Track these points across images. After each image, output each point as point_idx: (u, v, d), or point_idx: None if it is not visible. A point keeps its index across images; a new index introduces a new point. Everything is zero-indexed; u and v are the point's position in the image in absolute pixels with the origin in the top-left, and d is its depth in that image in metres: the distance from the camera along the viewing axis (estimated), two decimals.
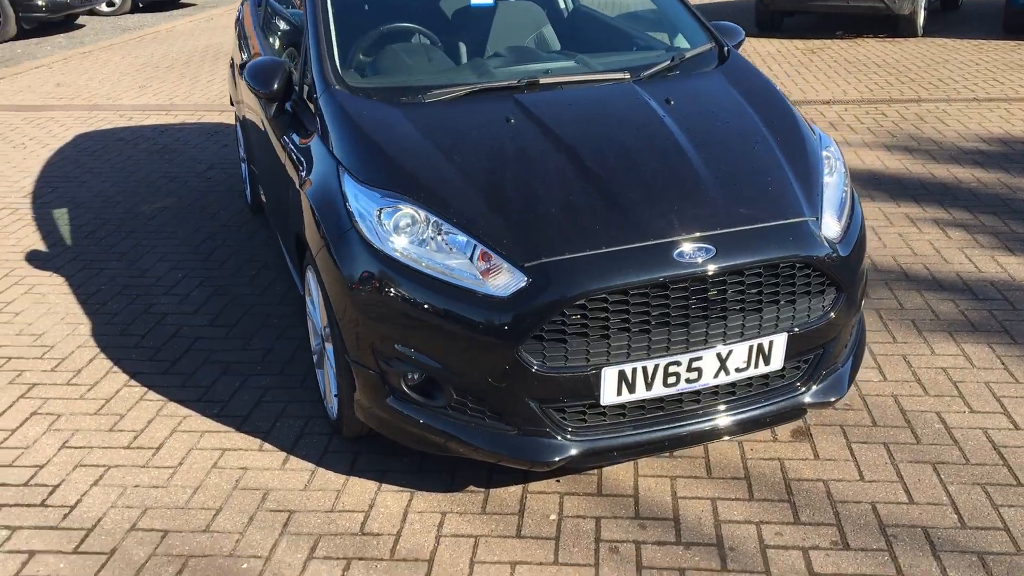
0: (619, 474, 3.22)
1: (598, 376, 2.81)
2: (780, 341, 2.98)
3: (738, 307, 2.89)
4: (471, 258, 2.85)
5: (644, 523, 2.99)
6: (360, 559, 2.86)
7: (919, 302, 4.33)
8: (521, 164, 3.13)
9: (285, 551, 2.90)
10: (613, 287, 2.76)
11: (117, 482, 3.24)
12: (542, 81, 3.59)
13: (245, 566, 2.84)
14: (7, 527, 3.02)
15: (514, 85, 3.56)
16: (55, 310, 4.55)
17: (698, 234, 2.88)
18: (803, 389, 3.12)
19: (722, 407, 3.03)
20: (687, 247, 2.85)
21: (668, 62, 3.81)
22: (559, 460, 2.88)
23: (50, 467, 3.34)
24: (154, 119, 8.15)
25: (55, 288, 4.80)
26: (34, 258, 5.19)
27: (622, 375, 2.83)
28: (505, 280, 2.80)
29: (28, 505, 3.13)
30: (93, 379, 3.91)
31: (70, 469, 3.32)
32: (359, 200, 3.05)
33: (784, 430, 3.44)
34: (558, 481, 3.19)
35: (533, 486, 3.17)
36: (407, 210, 2.96)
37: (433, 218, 2.93)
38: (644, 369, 2.85)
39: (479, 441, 2.91)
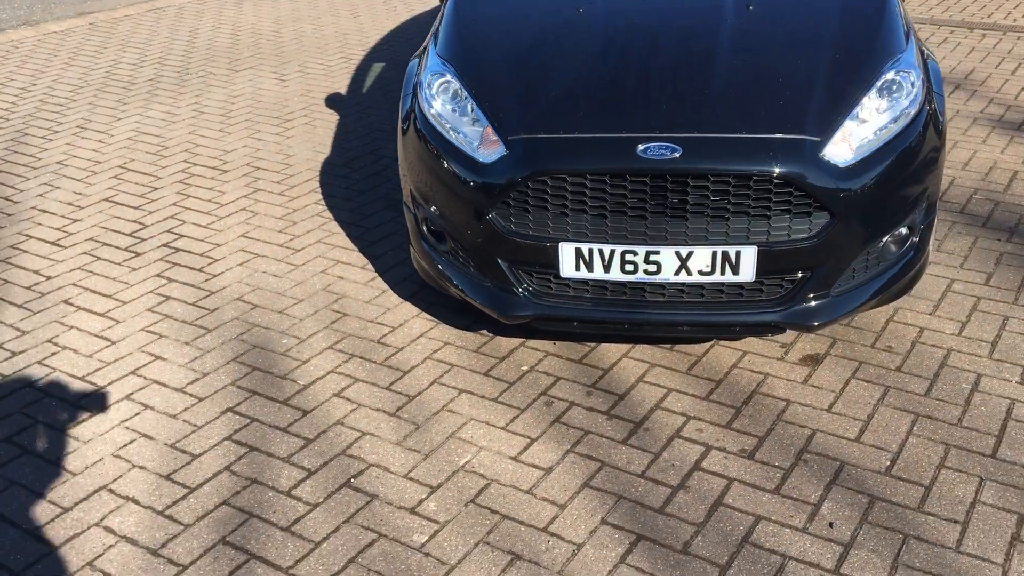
0: (608, 351, 3.50)
1: (556, 249, 3.13)
2: (749, 253, 3.05)
3: (701, 211, 3.02)
4: (484, 128, 3.28)
5: (592, 391, 3.29)
6: (361, 357, 3.51)
7: None
8: (558, 51, 3.42)
9: (317, 337, 3.63)
10: (571, 170, 3.04)
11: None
12: None
13: (285, 341, 3.63)
14: None
15: None
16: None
17: (667, 134, 3.03)
18: (780, 308, 3.15)
19: (688, 305, 3.18)
20: (653, 145, 3.02)
21: None
22: (521, 315, 3.27)
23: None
24: None
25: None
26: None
27: (579, 252, 3.12)
28: (493, 150, 3.19)
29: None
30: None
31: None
32: (427, 66, 3.58)
33: (797, 351, 3.46)
34: (554, 344, 3.56)
35: (531, 342, 3.57)
36: (449, 79, 3.44)
37: (464, 90, 3.38)
38: (600, 251, 3.10)
39: (465, 286, 3.39)
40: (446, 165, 3.28)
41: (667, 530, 2.68)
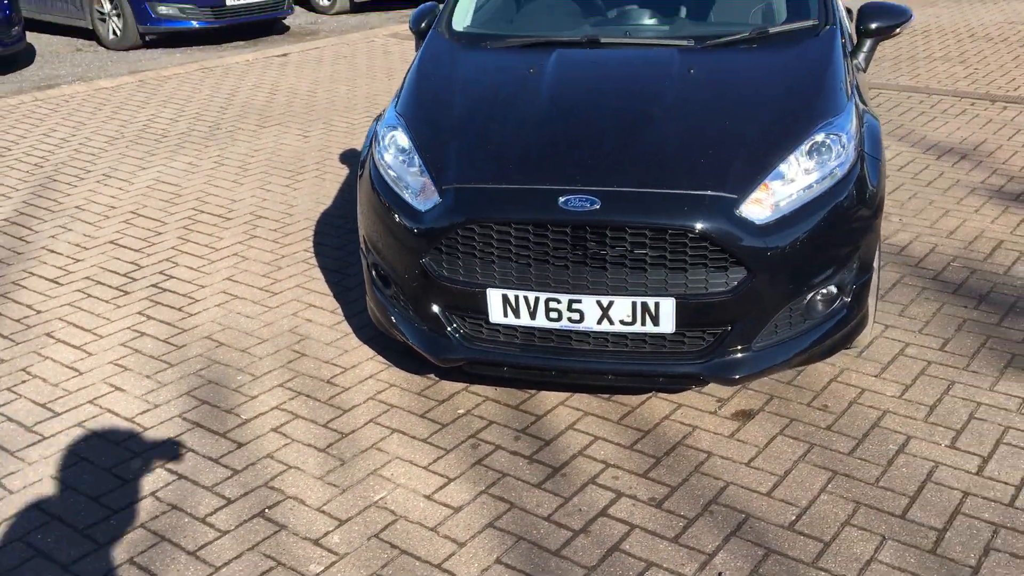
0: (545, 399, 3.56)
1: (484, 295, 3.23)
2: (668, 305, 3.10)
3: (620, 262, 3.10)
4: (425, 178, 3.41)
5: (520, 436, 3.35)
6: (307, 395, 3.63)
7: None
8: (501, 109, 3.55)
9: (271, 375, 3.77)
10: (497, 219, 3.16)
11: None
12: (602, 40, 3.90)
13: (239, 378, 3.78)
14: None
15: (576, 40, 3.92)
16: None
17: (587, 187, 3.13)
18: (701, 360, 3.19)
19: (612, 355, 3.24)
20: (573, 197, 3.12)
21: (739, 35, 3.84)
22: (453, 359, 3.36)
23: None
24: None
25: None
26: None
27: (506, 299, 3.21)
28: (430, 199, 3.32)
29: None
30: None
31: None
32: (384, 120, 3.75)
33: (732, 406, 3.47)
34: (495, 390, 3.63)
35: (474, 388, 3.65)
36: (399, 134, 3.60)
37: (411, 143, 3.53)
38: (526, 299, 3.19)
39: (405, 329, 3.50)
40: (389, 212, 3.42)
41: (558, 572, 2.72)
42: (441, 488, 3.09)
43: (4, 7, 8.93)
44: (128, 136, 7.10)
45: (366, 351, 3.93)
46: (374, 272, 3.63)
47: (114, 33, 10.09)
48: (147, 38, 10.17)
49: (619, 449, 3.26)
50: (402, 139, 3.56)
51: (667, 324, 3.14)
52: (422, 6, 4.57)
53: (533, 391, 3.60)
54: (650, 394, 3.56)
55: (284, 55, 9.72)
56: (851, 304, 3.36)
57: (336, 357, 3.90)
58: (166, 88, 8.54)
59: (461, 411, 3.51)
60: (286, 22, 11.56)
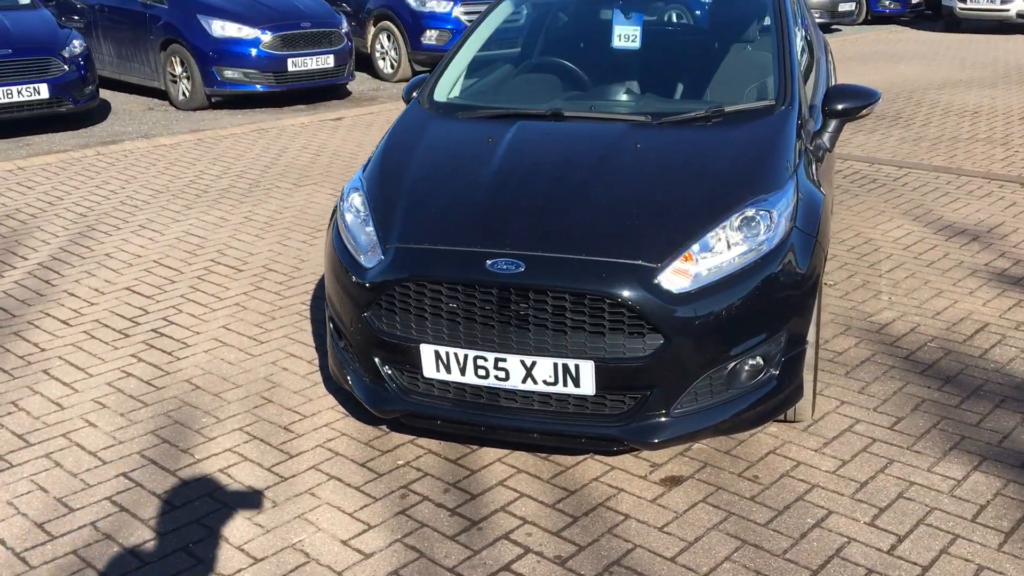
0: (485, 454, 3.65)
1: (418, 350, 3.38)
2: (588, 368, 3.21)
3: (543, 324, 3.22)
4: (374, 237, 3.60)
5: (450, 489, 3.46)
6: (261, 440, 3.80)
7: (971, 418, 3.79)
8: (453, 174, 3.74)
9: (234, 419, 3.96)
10: (430, 277, 3.32)
11: None
12: (565, 113, 4.07)
13: (204, 420, 3.98)
14: None
15: (541, 113, 4.10)
16: None
17: (514, 251, 3.27)
18: (620, 423, 3.27)
19: (538, 414, 3.35)
20: (500, 260, 3.26)
21: (694, 113, 3.97)
22: (391, 410, 3.51)
23: None
24: None
25: None
26: None
27: (437, 354, 3.36)
28: (375, 256, 3.51)
29: None
30: None
31: None
32: (350, 183, 3.97)
33: (662, 472, 3.52)
34: (440, 444, 3.75)
35: (420, 440, 3.77)
36: (358, 195, 3.81)
37: (366, 205, 3.73)
38: (455, 355, 3.33)
39: (352, 380, 3.66)
40: (342, 267, 3.61)
41: None
42: (359, 534, 3.21)
43: (80, 67, 9.55)
44: (172, 190, 7.51)
45: (329, 401, 4.10)
46: (331, 324, 3.81)
47: (183, 94, 10.67)
48: (213, 100, 10.71)
49: (541, 507, 3.34)
50: (360, 201, 3.76)
51: (587, 386, 3.24)
52: (416, 77, 4.81)
53: (475, 447, 3.71)
54: (587, 456, 3.63)
55: (338, 119, 10.13)
56: (781, 376, 3.41)
57: (299, 405, 4.08)
58: (220, 147, 8.99)
59: (401, 462, 3.64)
60: (349, 88, 12.03)
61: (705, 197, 3.45)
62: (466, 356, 3.31)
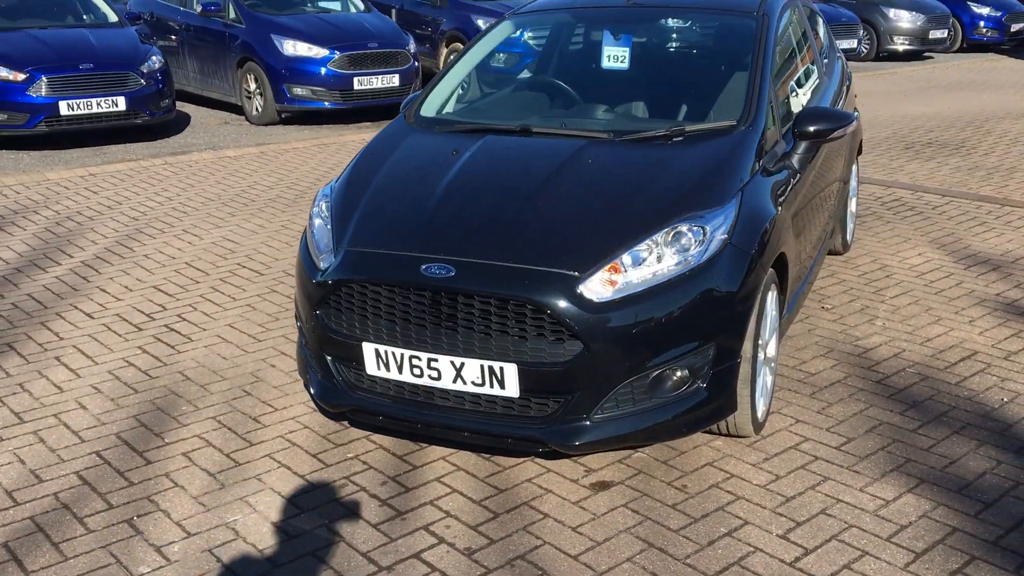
0: (433, 452, 3.82)
1: (360, 348, 3.57)
2: (511, 371, 3.34)
3: (470, 326, 3.37)
4: (332, 240, 3.82)
5: (388, 482, 3.61)
6: (229, 428, 4.04)
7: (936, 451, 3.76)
8: (410, 183, 3.92)
9: (210, 408, 4.22)
10: (371, 279, 3.51)
11: None
12: (534, 129, 4.21)
13: (183, 407, 4.25)
14: None
15: (511, 128, 4.25)
16: None
17: (447, 257, 3.43)
18: (543, 425, 3.39)
19: (468, 414, 3.49)
20: (433, 265, 3.43)
21: (653, 132, 4.06)
22: (338, 405, 3.70)
23: None
24: None
25: None
26: None
27: (378, 353, 3.54)
28: (330, 258, 3.72)
29: None
30: None
31: None
32: (322, 191, 4.19)
33: (595, 476, 3.62)
34: (393, 440, 3.92)
35: (376, 437, 3.96)
36: (325, 202, 4.03)
37: (330, 211, 3.95)
38: (393, 354, 3.51)
39: (309, 376, 3.87)
40: (303, 268, 3.84)
41: None
42: (290, 517, 3.41)
43: (158, 81, 10.12)
44: (223, 199, 7.90)
45: (303, 397, 4.32)
46: (298, 323, 4.04)
47: (256, 110, 11.16)
48: (283, 115, 11.17)
49: (467, 503, 3.48)
50: (326, 206, 3.98)
51: (512, 388, 3.37)
52: (414, 94, 5.03)
53: (424, 444, 3.87)
54: (527, 458, 3.75)
55: None
56: (709, 389, 3.47)
57: (275, 399, 4.31)
58: (280, 159, 9.40)
59: (350, 455, 3.82)
60: None
61: (640, 211, 3.55)
62: (402, 355, 3.48)
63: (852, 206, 6.32)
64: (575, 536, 3.27)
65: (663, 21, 4.91)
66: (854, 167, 6.20)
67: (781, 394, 4.27)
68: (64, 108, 9.48)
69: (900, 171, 8.62)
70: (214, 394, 4.37)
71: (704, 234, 3.47)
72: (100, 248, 6.59)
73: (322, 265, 3.70)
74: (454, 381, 3.43)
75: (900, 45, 17.38)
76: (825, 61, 5.58)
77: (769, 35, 4.45)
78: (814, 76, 5.18)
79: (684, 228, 3.47)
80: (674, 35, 4.89)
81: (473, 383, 3.41)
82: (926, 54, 18.36)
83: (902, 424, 4.00)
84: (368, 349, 3.54)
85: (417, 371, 3.48)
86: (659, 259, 3.41)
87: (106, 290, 5.78)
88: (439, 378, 3.45)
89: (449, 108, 4.79)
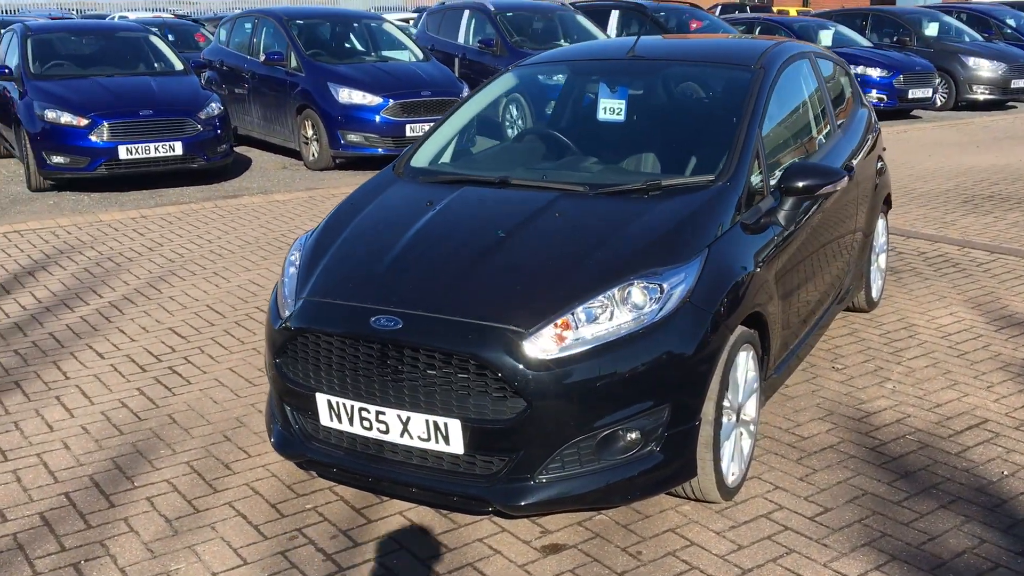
0: (392, 506, 3.76)
1: (314, 398, 3.56)
2: (455, 427, 3.28)
3: (416, 380, 3.32)
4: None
5: (338, 536, 3.56)
6: (197, 473, 4.06)
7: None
8: (377, 234, 3.90)
9: (187, 453, 4.25)
10: (322, 330, 3.50)
11: None
12: (512, 181, 4.17)
13: (161, 451, 4.28)
14: None
15: (490, 180, 4.22)
16: None
17: (396, 309, 3.40)
18: (487, 484, 3.31)
19: (417, 469, 3.43)
20: (382, 317, 3.40)
21: (628, 186, 3.98)
22: (294, 455, 3.68)
23: None
24: None
25: None
26: None
27: (330, 404, 3.51)
28: (292, 307, 3.73)
29: None
30: None
31: None
32: (297, 241, 4.20)
33: (550, 538, 3.51)
34: (354, 492, 3.88)
35: (338, 489, 3.91)
36: (297, 253, 4.04)
37: (300, 260, 3.96)
38: (344, 405, 3.48)
39: (271, 425, 3.87)
40: (268, 316, 3.85)
41: None
42: (231, 569, 3.38)
43: (215, 128, 10.42)
44: (260, 242, 8.05)
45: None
46: (268, 372, 4.04)
47: (313, 155, 11.39)
48: (338, 161, 11.37)
49: (413, 560, 3.41)
50: (297, 256, 4.00)
51: (457, 445, 3.30)
52: (411, 145, 5.04)
53: (385, 498, 3.82)
54: (487, 516, 3.67)
55: None
56: (664, 452, 3.35)
57: (251, 445, 4.32)
58: (327, 204, 9.54)
59: (309, 506, 3.79)
60: None
61: (597, 266, 3.47)
62: (352, 407, 3.45)
63: (881, 262, 6.09)
64: None
65: (661, 74, 4.83)
66: (881, 221, 5.99)
67: (766, 458, 4.10)
68: (123, 152, 9.81)
69: (952, 225, 8.31)
70: (195, 438, 4.40)
71: (661, 291, 3.37)
72: (130, 289, 6.75)
73: (284, 313, 3.70)
74: (401, 435, 3.38)
75: (980, 94, 16.86)
76: (841, 114, 5.41)
77: (762, 90, 4.34)
78: (823, 130, 5.02)
79: (640, 285, 3.38)
80: (671, 88, 4.81)
81: (420, 438, 3.35)
82: (1009, 104, 17.78)
83: (887, 495, 3.79)
84: (321, 400, 3.52)
85: (366, 424, 3.44)
86: (612, 316, 3.31)
87: (124, 331, 5.90)
88: (387, 431, 3.41)
89: (445, 159, 4.78)
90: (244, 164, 11.89)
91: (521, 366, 3.20)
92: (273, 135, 12.27)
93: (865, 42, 17.39)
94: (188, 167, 10.28)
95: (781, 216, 4.06)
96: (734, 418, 3.68)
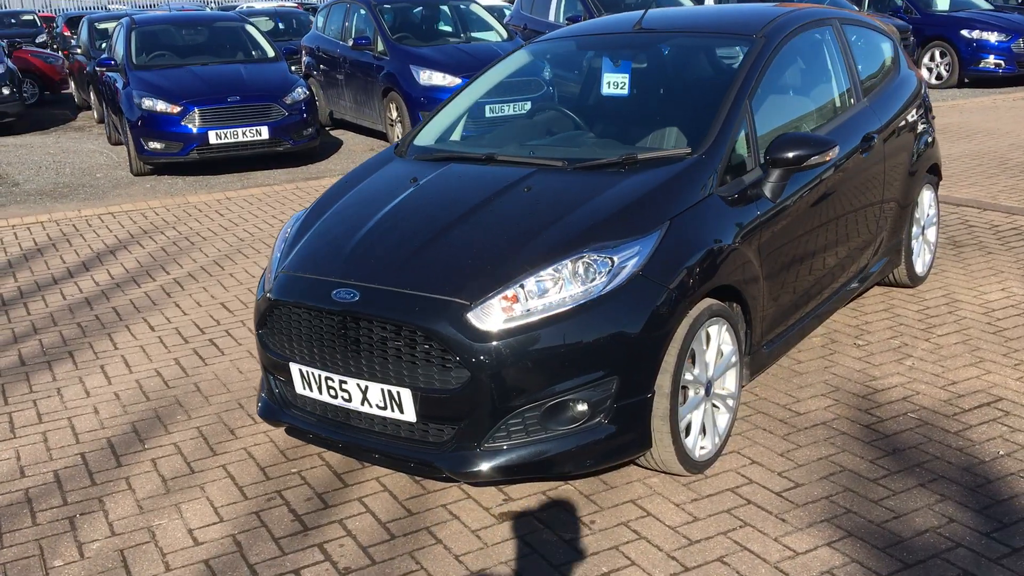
0: (371, 472, 3.91)
1: (288, 367, 3.73)
2: (407, 396, 3.40)
3: (371, 350, 3.45)
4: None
5: (312, 499, 3.74)
6: (204, 438, 4.31)
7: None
8: (357, 210, 4.03)
9: (202, 419, 4.51)
10: (292, 302, 3.67)
11: None
12: (498, 157, 4.23)
13: (178, 416, 4.55)
14: None
15: (478, 157, 4.29)
16: None
17: (355, 282, 3.53)
18: (437, 451, 3.41)
19: (379, 436, 3.56)
20: (342, 290, 3.54)
21: (604, 160, 3.97)
22: (276, 422, 3.87)
23: None
24: None
25: None
26: None
27: (302, 373, 3.68)
28: (272, 281, 3.91)
29: None
30: None
31: None
32: (294, 216, 4.39)
33: (513, 505, 3.59)
34: (340, 458, 4.05)
35: (327, 455, 4.10)
36: (291, 227, 4.22)
37: (291, 234, 4.14)
38: (313, 375, 3.64)
39: (260, 393, 4.06)
40: (257, 288, 4.05)
41: None
42: (206, 526, 3.59)
43: (301, 112, 10.79)
44: (261, 237, 8.32)
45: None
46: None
47: (397, 137, 11.65)
48: None
49: (373, 523, 3.55)
50: (289, 230, 4.18)
51: (409, 413, 3.42)
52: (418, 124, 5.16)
53: (367, 463, 3.98)
54: (457, 484, 3.77)
55: None
56: (615, 423, 3.38)
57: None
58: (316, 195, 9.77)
59: (294, 470, 3.98)
60: None
61: (549, 239, 3.50)
62: (320, 376, 3.61)
63: (930, 235, 5.87)
64: (455, 564, 3.27)
65: (665, 47, 4.79)
66: (928, 193, 5.76)
67: (752, 433, 4.06)
68: (213, 137, 10.28)
69: None
70: (212, 405, 4.66)
71: (611, 264, 3.39)
72: (196, 267, 7.12)
73: (268, 287, 3.89)
74: (362, 404, 3.52)
75: None
76: (871, 85, 5.22)
77: (757, 61, 4.26)
78: (841, 100, 4.88)
79: (590, 258, 3.40)
80: (673, 61, 4.77)
81: (377, 406, 3.48)
82: None
83: (866, 473, 3.71)
84: (295, 369, 3.69)
85: (332, 392, 3.59)
86: (560, 289, 3.36)
87: (180, 305, 6.24)
88: (350, 400, 3.55)
89: (455, 136, 4.88)
90: (334, 146, 12.27)
91: (464, 337, 3.28)
92: (363, 118, 12.60)
93: (985, 4, 16.50)
94: (274, 150, 10.69)
95: (767, 188, 4.00)
96: (702, 392, 3.67)
